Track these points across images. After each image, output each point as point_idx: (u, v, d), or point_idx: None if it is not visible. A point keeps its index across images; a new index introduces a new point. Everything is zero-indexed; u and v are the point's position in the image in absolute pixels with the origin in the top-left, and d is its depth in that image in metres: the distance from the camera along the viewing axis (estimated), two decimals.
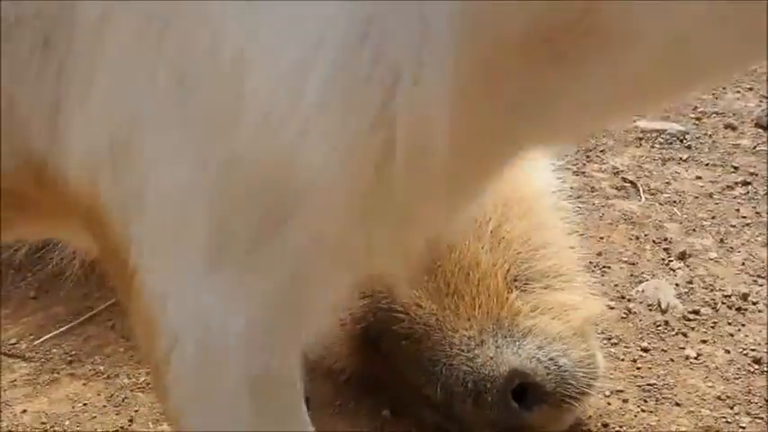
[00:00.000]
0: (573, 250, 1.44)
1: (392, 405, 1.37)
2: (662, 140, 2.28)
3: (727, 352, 1.48)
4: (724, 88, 2.54)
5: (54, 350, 1.59)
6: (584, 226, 1.80)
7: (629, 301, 1.62)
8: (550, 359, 1.21)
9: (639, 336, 1.53)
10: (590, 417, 1.35)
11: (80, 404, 1.45)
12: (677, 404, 1.37)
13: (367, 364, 1.36)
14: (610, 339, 1.52)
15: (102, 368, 1.54)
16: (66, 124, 0.77)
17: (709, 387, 1.40)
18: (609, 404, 1.37)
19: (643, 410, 1.36)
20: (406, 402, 1.34)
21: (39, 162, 0.81)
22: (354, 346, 1.36)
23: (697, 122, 2.38)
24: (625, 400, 1.38)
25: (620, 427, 1.33)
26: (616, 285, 1.67)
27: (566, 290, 1.31)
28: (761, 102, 2.44)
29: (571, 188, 1.72)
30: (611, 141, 2.27)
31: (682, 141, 2.27)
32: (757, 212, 1.92)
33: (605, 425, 1.33)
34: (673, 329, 1.54)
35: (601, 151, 2.22)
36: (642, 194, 2.01)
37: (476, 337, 1.22)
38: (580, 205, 1.85)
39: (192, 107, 0.72)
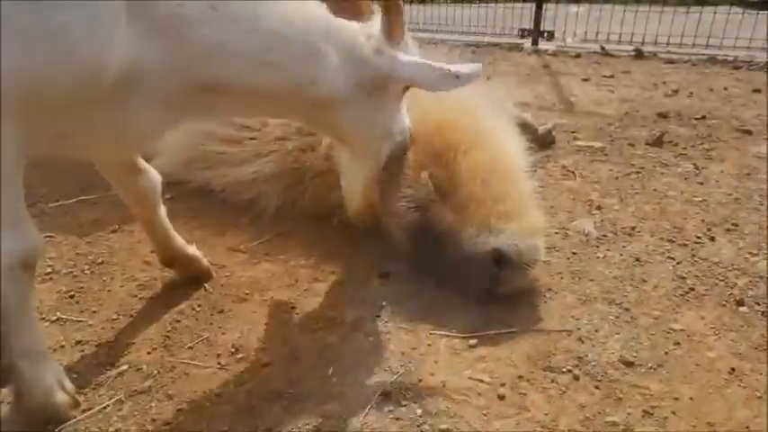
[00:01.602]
0: (532, 197, 1.55)
1: (433, 275, 1.45)
2: (590, 151, 2.38)
3: (621, 255, 1.57)
4: (627, 125, 2.64)
5: None
6: (544, 194, 1.94)
7: (567, 230, 1.71)
8: (514, 243, 1.29)
9: (572, 246, 1.62)
10: (541, 285, 1.43)
11: None
12: (590, 280, 1.45)
13: (416, 247, 1.44)
14: (554, 248, 1.59)
15: None
16: None
17: (609, 272, 1.48)
18: (552, 279, 1.47)
19: (572, 282, 1.45)
20: (439, 271, 1.43)
21: None
22: (409, 236, 1.44)
23: (611, 142, 2.49)
24: (562, 277, 1.47)
25: (558, 291, 1.42)
26: (560, 222, 1.75)
27: (526, 212, 1.42)
28: (649, 132, 2.53)
29: (537, 175, 1.86)
30: (562, 151, 2.39)
31: (602, 151, 2.37)
32: (643, 186, 2.02)
33: (549, 289, 1.42)
34: (591, 244, 1.62)
35: (555, 157, 2.34)
36: (577, 178, 2.13)
37: (475, 233, 1.32)
38: (543, 184, 1.99)
39: None
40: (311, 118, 1.19)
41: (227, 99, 1.06)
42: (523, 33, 4.99)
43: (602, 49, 4.52)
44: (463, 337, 1.24)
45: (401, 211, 1.41)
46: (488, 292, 1.32)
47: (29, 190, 1.90)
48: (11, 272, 0.93)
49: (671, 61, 4.13)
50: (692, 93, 3.22)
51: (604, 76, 3.73)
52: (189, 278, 1.48)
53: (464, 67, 1.16)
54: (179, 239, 1.43)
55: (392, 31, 1.12)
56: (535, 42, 4.84)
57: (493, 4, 5.39)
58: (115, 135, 1.01)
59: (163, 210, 1.37)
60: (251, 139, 1.78)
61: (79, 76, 0.84)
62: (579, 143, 2.41)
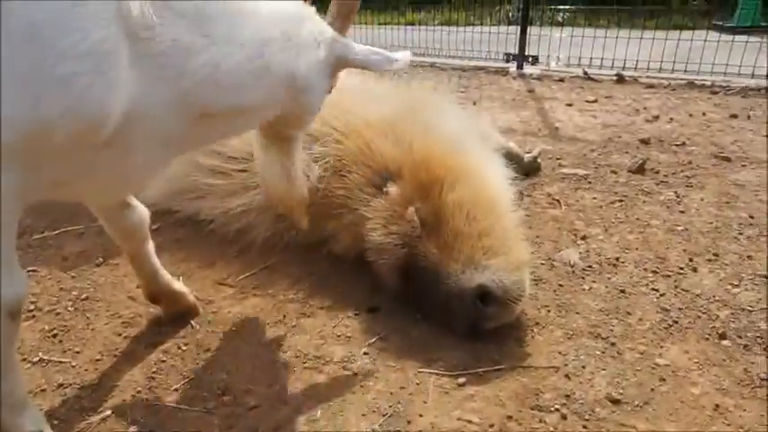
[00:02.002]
0: (517, 229, 1.54)
1: (421, 310, 1.45)
2: (575, 179, 2.41)
3: (606, 287, 1.57)
4: (610, 152, 2.68)
5: None
6: (530, 222, 1.95)
7: (553, 261, 1.71)
8: (499, 279, 1.29)
9: (558, 278, 1.62)
10: (528, 319, 1.43)
11: None
12: (577, 313, 1.45)
13: (403, 283, 1.44)
14: (541, 280, 1.60)
15: None
16: None
17: (595, 304, 1.48)
18: (538, 312, 1.47)
19: (558, 316, 1.44)
20: (426, 306, 1.42)
21: None
22: (395, 272, 1.44)
23: (595, 169, 2.52)
24: (548, 310, 1.47)
25: (545, 326, 1.41)
26: (546, 252, 1.75)
27: (512, 246, 1.42)
28: (631, 159, 2.57)
29: (522, 203, 1.87)
30: (547, 179, 2.42)
31: (586, 179, 2.40)
32: (626, 215, 2.04)
33: (537, 323, 1.42)
34: (576, 275, 1.63)
35: (540, 185, 2.37)
36: (563, 206, 2.14)
37: (460, 269, 1.32)
38: (529, 213, 2.01)
39: None
40: (281, 115, 1.20)
41: (223, 122, 1.07)
42: (509, 58, 5.06)
43: (585, 73, 4.59)
44: (452, 375, 1.24)
45: (388, 248, 1.40)
46: (474, 328, 1.31)
47: None
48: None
49: (651, 86, 4.20)
50: (672, 118, 3.28)
51: (587, 101, 3.79)
52: (175, 314, 1.45)
53: (399, 55, 1.30)
54: (165, 275, 1.41)
55: (343, 29, 1.21)
56: (520, 67, 4.90)
57: (479, 29, 5.47)
58: (115, 178, 1.01)
59: (150, 245, 1.36)
60: (239, 170, 1.77)
61: (85, 123, 0.82)
62: (564, 170, 2.44)
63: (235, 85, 0.99)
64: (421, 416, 1.13)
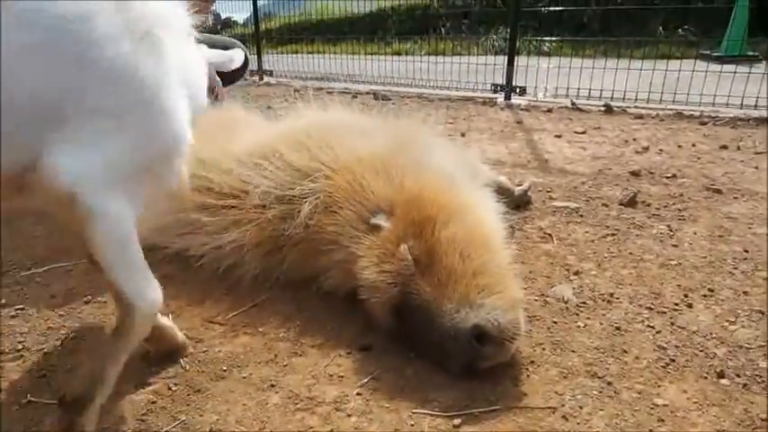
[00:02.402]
0: (510, 266, 1.56)
1: (414, 349, 1.44)
2: (566, 212, 2.44)
3: (601, 324, 1.58)
4: (601, 184, 2.72)
5: None
6: (522, 257, 1.97)
7: (546, 296, 1.72)
8: (495, 319, 1.29)
9: (552, 314, 1.62)
10: (523, 358, 1.42)
11: None
12: (572, 351, 1.45)
13: (396, 322, 1.43)
14: (535, 317, 1.61)
15: None
16: None
17: (590, 342, 1.48)
18: (533, 350, 1.47)
19: (553, 354, 1.44)
20: (420, 345, 1.41)
21: None
22: (387, 311, 1.43)
23: (586, 202, 2.55)
24: (543, 348, 1.46)
25: (540, 364, 1.40)
26: (539, 288, 1.76)
27: (506, 284, 1.42)
28: (623, 191, 2.61)
29: (514, 238, 1.89)
30: (538, 212, 2.44)
31: (577, 212, 2.43)
32: (619, 250, 2.07)
33: (532, 362, 1.41)
34: (570, 312, 1.63)
35: (532, 218, 2.39)
36: (555, 240, 2.17)
37: (455, 308, 1.32)
38: (521, 248, 2.02)
39: None
40: None
41: None
42: (496, 88, 5.16)
43: (573, 104, 4.69)
44: (447, 416, 1.23)
45: (381, 286, 1.40)
46: (469, 367, 1.31)
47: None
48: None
49: (640, 116, 4.29)
50: (661, 150, 3.34)
51: (576, 132, 3.86)
52: (164, 352, 1.44)
53: (236, 55, 1.55)
54: None
55: None
56: (508, 97, 4.99)
57: (466, 59, 5.57)
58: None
59: None
60: (229, 207, 1.78)
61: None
62: (555, 203, 2.47)
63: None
64: None
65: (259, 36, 7.45)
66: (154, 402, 1.30)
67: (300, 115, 2.08)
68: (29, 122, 0.87)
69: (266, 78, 7.03)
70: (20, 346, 1.50)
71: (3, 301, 1.73)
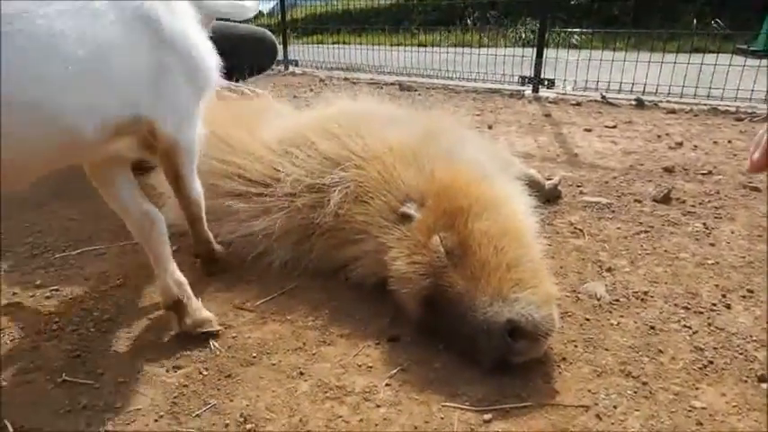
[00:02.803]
0: (544, 262, 1.54)
1: (443, 341, 1.43)
2: (597, 207, 2.39)
3: (635, 322, 1.54)
4: (633, 179, 2.66)
5: None
6: (552, 252, 1.94)
7: (578, 293, 1.69)
8: (529, 314, 1.26)
9: (584, 311, 1.59)
10: (555, 354, 1.40)
11: None
12: (605, 349, 1.42)
13: (426, 314, 1.42)
14: (566, 313, 1.58)
15: None
16: None
17: (624, 340, 1.45)
18: (565, 347, 1.44)
19: (586, 351, 1.41)
20: (450, 338, 1.40)
21: None
22: (418, 303, 1.42)
23: (618, 198, 2.50)
24: (575, 345, 1.44)
25: (573, 362, 1.38)
26: (571, 284, 1.73)
27: (540, 279, 1.40)
28: (656, 187, 2.55)
29: (544, 232, 1.85)
30: (568, 207, 2.40)
31: (609, 208, 2.38)
32: (653, 247, 2.02)
33: (564, 359, 1.39)
34: (603, 309, 1.60)
35: (562, 213, 2.36)
36: (586, 236, 2.13)
37: (488, 302, 1.29)
38: (551, 242, 1.99)
39: None
40: None
41: None
42: (524, 81, 5.08)
43: (603, 97, 4.59)
44: (477, 411, 1.22)
45: (412, 278, 1.39)
46: (501, 362, 1.29)
47: (35, 239, 1.92)
48: None
49: (672, 111, 4.19)
50: (696, 146, 3.26)
51: (606, 126, 3.78)
52: (191, 328, 1.48)
53: (249, 3, 1.71)
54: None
55: None
56: (536, 90, 4.92)
57: (492, 50, 5.50)
58: None
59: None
60: (259, 195, 1.78)
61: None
62: (586, 198, 2.42)
63: None
64: None
65: (285, 26, 7.44)
66: (185, 386, 1.31)
67: (330, 104, 2.07)
68: (134, 86, 1.16)
69: (291, 68, 7.03)
70: (55, 327, 1.53)
71: (38, 282, 1.76)
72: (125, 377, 1.34)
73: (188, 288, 1.50)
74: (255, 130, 1.92)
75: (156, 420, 1.20)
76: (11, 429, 1.17)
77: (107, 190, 1.39)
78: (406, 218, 1.50)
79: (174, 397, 1.28)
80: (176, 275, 1.46)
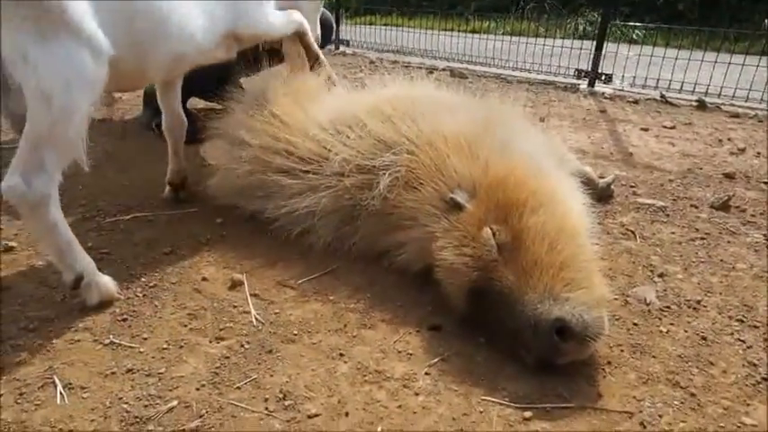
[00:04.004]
0: (597, 263, 1.51)
1: (486, 334, 1.44)
2: (652, 210, 2.33)
3: (686, 332, 1.52)
4: (690, 184, 2.58)
5: None
6: (603, 253, 1.89)
7: (627, 297, 1.66)
8: (580, 314, 1.24)
9: (632, 316, 1.57)
10: (600, 358, 1.38)
11: None
12: (653, 357, 1.39)
13: (471, 306, 1.42)
14: (614, 316, 1.55)
15: None
16: None
17: (673, 349, 1.42)
18: (611, 351, 1.42)
19: (632, 357, 1.38)
20: (493, 332, 1.41)
21: None
22: (464, 294, 1.42)
23: (674, 201, 2.42)
24: (622, 350, 1.42)
25: (618, 366, 1.35)
26: (620, 287, 1.69)
27: (592, 280, 1.39)
28: (714, 193, 2.46)
29: (596, 233, 1.81)
30: (620, 207, 2.35)
31: (663, 211, 2.32)
32: (709, 255, 1.96)
33: (609, 363, 1.37)
34: (653, 315, 1.56)
35: (613, 213, 2.30)
36: (638, 238, 2.08)
37: (538, 299, 1.28)
38: (601, 243, 1.94)
39: None
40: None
41: None
42: (580, 74, 4.95)
43: (663, 96, 4.44)
44: (517, 408, 1.21)
45: (460, 269, 1.38)
46: (545, 362, 1.28)
47: (88, 202, 1.98)
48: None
49: (736, 115, 4.03)
50: (759, 153, 3.13)
51: (664, 127, 3.67)
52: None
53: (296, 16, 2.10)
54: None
55: None
56: (592, 84, 4.79)
57: (548, 41, 5.37)
58: None
59: None
60: (308, 172, 1.79)
61: None
62: (639, 200, 2.36)
63: None
64: None
65: (339, 5, 7.44)
66: (227, 357, 1.34)
67: (385, 86, 2.06)
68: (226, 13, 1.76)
69: (342, 48, 7.03)
70: None
71: (90, 244, 1.83)
72: (168, 344, 1.38)
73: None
74: (310, 108, 1.94)
75: (197, 389, 1.23)
76: (59, 385, 1.21)
77: (163, 94, 2.03)
78: (455, 206, 1.48)
79: (216, 367, 1.31)
80: (184, 163, 2.14)
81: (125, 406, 1.17)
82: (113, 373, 1.27)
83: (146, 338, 1.39)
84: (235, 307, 1.53)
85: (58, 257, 1.41)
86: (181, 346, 1.37)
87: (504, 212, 1.40)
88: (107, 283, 1.49)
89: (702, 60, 4.37)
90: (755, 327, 1.51)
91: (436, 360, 1.36)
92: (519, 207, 1.39)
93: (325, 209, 1.74)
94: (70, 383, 1.23)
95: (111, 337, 1.39)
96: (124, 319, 1.46)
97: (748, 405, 1.24)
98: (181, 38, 1.54)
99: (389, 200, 1.62)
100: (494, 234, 1.37)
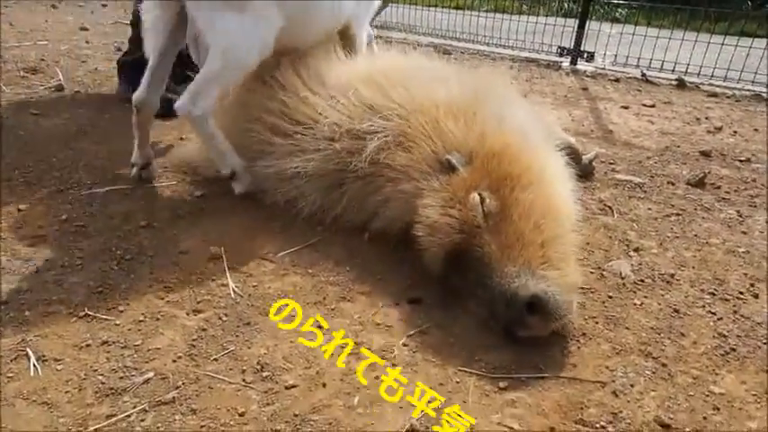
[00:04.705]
0: (574, 241, 1.51)
1: (463, 306, 1.44)
2: (629, 186, 2.35)
3: (659, 304, 1.53)
4: (668, 161, 2.60)
5: None
6: (579, 228, 1.90)
7: (602, 270, 1.68)
8: (552, 293, 1.26)
9: (608, 289, 1.58)
10: (575, 329, 1.40)
11: None
12: (626, 328, 1.41)
13: (449, 271, 1.42)
14: (590, 289, 1.58)
15: None
16: None
17: (646, 321, 1.44)
18: (586, 323, 1.43)
19: (606, 329, 1.40)
20: (464, 297, 1.40)
21: None
22: (442, 257, 1.42)
23: (651, 178, 2.44)
24: (596, 322, 1.43)
25: (592, 338, 1.37)
26: (596, 261, 1.72)
27: (569, 265, 1.37)
28: (691, 171, 2.49)
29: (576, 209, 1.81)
30: (599, 184, 2.36)
31: (641, 188, 2.33)
32: (683, 230, 1.99)
33: (584, 334, 1.39)
34: (627, 288, 1.58)
35: (592, 189, 2.31)
36: (615, 214, 2.10)
37: (516, 273, 1.29)
38: (579, 218, 1.95)
39: None
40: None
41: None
42: (562, 52, 4.94)
43: (643, 75, 4.45)
44: (493, 378, 1.22)
45: (443, 229, 1.37)
46: (509, 333, 1.30)
47: (63, 174, 1.94)
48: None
49: (714, 95, 4.06)
50: (735, 131, 3.16)
51: (644, 105, 3.68)
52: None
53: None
54: None
55: None
56: (574, 62, 4.78)
57: (532, 18, 5.34)
58: None
59: None
60: (298, 134, 1.78)
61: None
62: (618, 176, 2.37)
63: None
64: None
65: None
66: (204, 330, 1.33)
67: (379, 56, 2.05)
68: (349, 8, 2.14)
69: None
70: (79, 262, 1.55)
71: (64, 216, 1.79)
72: (145, 316, 1.36)
73: None
74: (304, 72, 1.92)
75: (173, 361, 1.22)
76: (32, 357, 1.19)
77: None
78: (450, 168, 1.48)
79: (193, 339, 1.30)
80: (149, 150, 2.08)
81: (100, 377, 1.15)
82: (88, 345, 1.25)
83: (122, 311, 1.37)
84: (213, 280, 1.51)
85: (218, 157, 1.84)
86: (157, 319, 1.35)
87: (496, 183, 1.40)
88: (249, 177, 1.89)
89: (683, 40, 4.38)
90: (726, 300, 1.54)
91: (414, 332, 1.36)
92: (511, 180, 1.39)
93: (313, 171, 1.72)
94: (44, 356, 1.21)
95: (86, 309, 1.36)
96: (100, 292, 1.44)
97: (717, 374, 1.26)
98: (324, 18, 2.01)
99: (379, 162, 1.61)
100: (482, 201, 1.36)
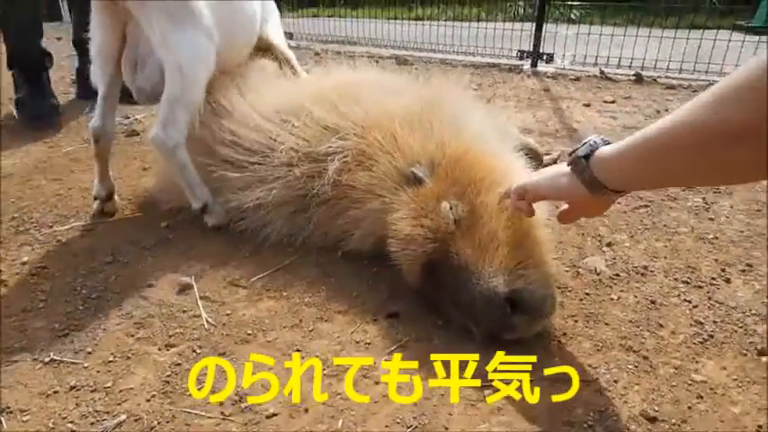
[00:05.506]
0: (548, 241, 1.51)
1: (442, 314, 1.42)
2: None
3: (635, 297, 1.55)
4: None
5: None
6: (551, 226, 1.91)
7: (578, 268, 1.69)
8: (533, 291, 1.26)
9: (584, 286, 1.60)
10: (555, 329, 1.40)
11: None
12: (606, 324, 1.42)
13: (426, 281, 1.41)
14: (567, 288, 1.60)
15: None
16: None
17: (625, 315, 1.45)
18: (565, 322, 1.44)
19: (586, 326, 1.41)
20: (445, 307, 1.38)
21: None
22: (419, 267, 1.41)
23: None
24: (576, 320, 1.44)
25: (573, 336, 1.37)
26: (571, 259, 1.73)
27: (544, 260, 1.37)
28: None
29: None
30: None
31: None
32: (653, 222, 2.01)
33: (564, 334, 1.39)
34: (603, 284, 1.59)
35: None
36: None
37: (494, 273, 1.28)
38: (549, 217, 1.96)
39: None
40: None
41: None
42: (522, 55, 5.02)
43: (602, 72, 4.55)
44: (477, 387, 1.20)
45: (416, 240, 1.36)
46: (495, 336, 1.28)
47: (21, 215, 1.87)
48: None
49: (671, 87, 4.16)
50: None
51: (605, 102, 3.75)
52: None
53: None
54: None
55: None
56: (534, 64, 4.86)
57: (490, 25, 5.42)
58: None
59: None
60: (256, 163, 1.75)
61: None
62: None
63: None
64: (447, 429, 1.10)
65: None
66: (178, 365, 1.29)
67: (329, 73, 2.03)
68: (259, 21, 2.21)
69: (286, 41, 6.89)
70: (41, 305, 1.50)
71: (25, 259, 1.73)
72: (115, 356, 1.31)
73: None
74: (254, 97, 1.89)
75: (147, 400, 1.18)
76: None
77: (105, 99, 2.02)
78: (416, 180, 1.47)
79: (167, 376, 1.26)
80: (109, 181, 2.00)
81: (70, 425, 1.11)
82: (56, 392, 1.20)
83: (90, 353, 1.32)
84: (184, 312, 1.47)
85: (189, 190, 1.79)
86: (128, 357, 1.31)
87: (463, 188, 1.40)
88: (221, 211, 1.84)
89: (637, 36, 4.49)
90: (700, 287, 1.56)
91: (394, 347, 1.34)
92: (477, 184, 1.39)
93: (276, 200, 1.69)
94: (8, 407, 1.16)
95: (51, 354, 1.31)
96: (65, 335, 1.38)
97: (697, 363, 1.27)
98: (246, 32, 2.08)
99: (342, 183, 1.59)
100: (452, 208, 1.36)
